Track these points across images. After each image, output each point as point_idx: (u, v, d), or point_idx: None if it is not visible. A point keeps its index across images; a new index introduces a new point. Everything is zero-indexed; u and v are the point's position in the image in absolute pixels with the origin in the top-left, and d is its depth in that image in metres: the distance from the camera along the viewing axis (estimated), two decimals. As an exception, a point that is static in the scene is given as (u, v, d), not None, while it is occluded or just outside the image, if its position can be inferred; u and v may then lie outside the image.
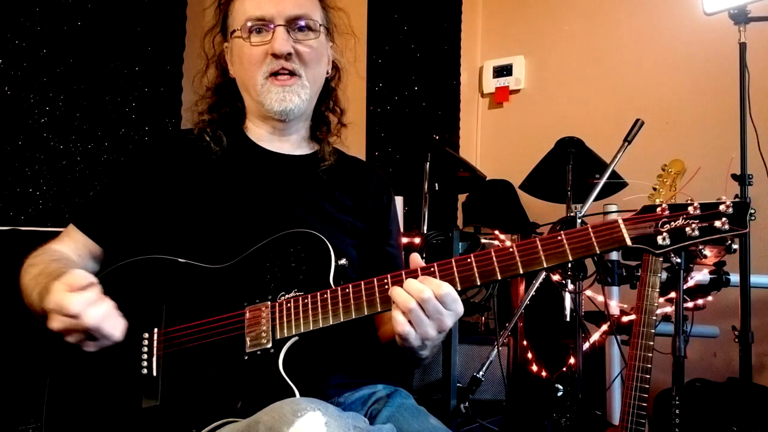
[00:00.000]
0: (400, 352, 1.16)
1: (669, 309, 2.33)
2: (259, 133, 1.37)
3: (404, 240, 2.44)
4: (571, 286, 2.29)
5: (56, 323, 1.03)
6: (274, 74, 1.28)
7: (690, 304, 2.32)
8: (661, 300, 2.06)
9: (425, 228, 2.76)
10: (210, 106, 1.38)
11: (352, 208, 1.36)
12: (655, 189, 1.73)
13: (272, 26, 1.26)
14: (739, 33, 2.19)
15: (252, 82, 1.29)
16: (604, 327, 2.49)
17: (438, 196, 2.99)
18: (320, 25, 1.32)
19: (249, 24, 1.27)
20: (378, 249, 1.38)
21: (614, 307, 2.45)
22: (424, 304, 0.99)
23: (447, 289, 1.00)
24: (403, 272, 1.06)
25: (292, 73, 1.28)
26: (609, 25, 3.43)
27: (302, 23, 1.29)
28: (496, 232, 2.76)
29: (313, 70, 1.32)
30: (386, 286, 1.06)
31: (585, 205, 2.24)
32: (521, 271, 1.02)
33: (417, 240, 2.48)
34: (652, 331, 1.76)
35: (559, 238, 1.01)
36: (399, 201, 2.97)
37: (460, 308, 1.03)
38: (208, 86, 1.39)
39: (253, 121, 1.38)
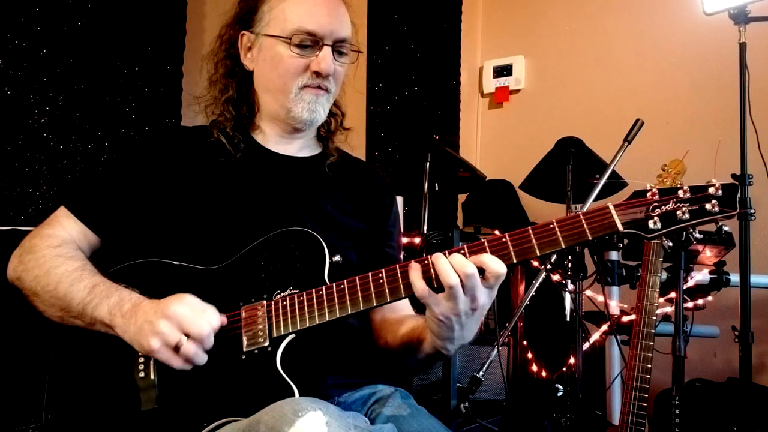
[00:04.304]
0: (415, 350, 1.16)
1: (669, 309, 2.33)
2: (267, 134, 1.37)
3: (404, 240, 2.44)
4: (571, 286, 2.29)
5: (163, 336, 1.04)
6: (309, 86, 1.29)
7: (690, 304, 2.32)
8: (661, 300, 2.06)
9: (425, 228, 2.76)
10: (227, 99, 1.36)
11: (353, 210, 1.37)
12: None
13: (320, 44, 1.27)
14: (739, 33, 2.18)
15: (285, 88, 1.29)
16: (604, 327, 2.49)
17: (438, 196, 2.99)
18: (354, 47, 1.34)
19: (299, 36, 1.26)
20: (377, 249, 1.38)
21: (614, 307, 2.45)
22: (466, 279, 0.99)
23: (503, 270, 1.00)
24: (398, 266, 1.06)
25: (324, 88, 1.31)
26: (609, 25, 3.43)
27: (345, 48, 1.31)
28: (496, 232, 2.75)
29: (338, 86, 1.36)
30: (381, 281, 1.06)
31: (585, 205, 2.24)
32: (515, 260, 1.02)
33: (417, 240, 2.48)
34: (652, 331, 1.77)
35: (551, 225, 1.02)
36: (399, 201, 2.96)
37: (495, 290, 1.04)
38: (222, 73, 1.37)
39: (263, 120, 1.37)
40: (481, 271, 1.00)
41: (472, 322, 1.05)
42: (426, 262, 1.04)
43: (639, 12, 3.33)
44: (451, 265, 1.00)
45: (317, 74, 1.28)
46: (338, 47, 1.30)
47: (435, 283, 1.02)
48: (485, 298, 1.02)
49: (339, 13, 1.30)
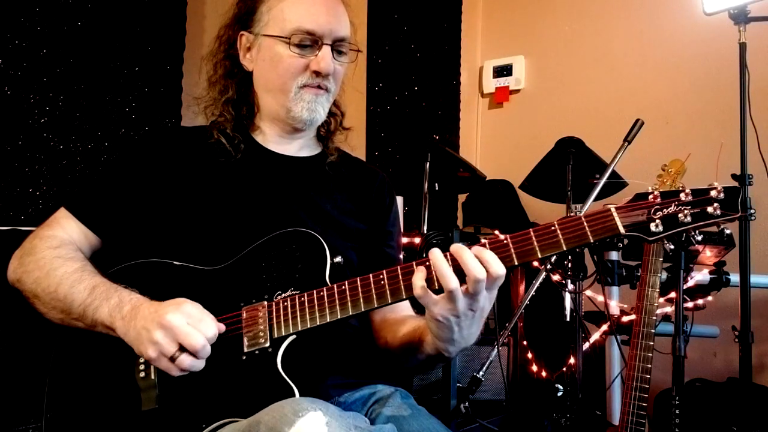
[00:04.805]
0: (415, 350, 1.16)
1: (669, 309, 2.33)
2: (266, 134, 1.37)
3: (404, 240, 2.44)
4: (571, 286, 2.29)
5: (159, 347, 1.04)
6: (309, 86, 1.29)
7: (690, 304, 2.32)
8: (661, 300, 2.06)
9: (425, 228, 2.76)
10: (226, 100, 1.35)
11: (353, 210, 1.37)
12: (654, 189, 1.73)
13: (320, 43, 1.27)
14: (739, 33, 2.19)
15: (285, 88, 1.29)
16: (604, 327, 2.49)
17: (438, 196, 2.99)
18: (354, 46, 1.34)
19: (298, 35, 1.26)
20: (377, 249, 1.38)
21: (614, 307, 2.45)
22: (473, 285, 0.98)
23: (503, 271, 1.00)
24: (399, 267, 1.05)
25: (324, 87, 1.31)
26: (609, 25, 3.43)
27: (344, 47, 1.31)
28: (496, 232, 2.75)
29: (338, 86, 1.35)
30: (382, 282, 1.06)
31: (585, 205, 2.24)
32: (516, 263, 1.01)
33: (417, 240, 2.49)
34: (652, 331, 1.76)
35: (553, 228, 1.01)
36: (399, 201, 2.96)
37: (495, 293, 1.03)
38: (221, 74, 1.37)
39: (263, 120, 1.37)
40: None
41: (472, 323, 1.05)
42: (428, 263, 1.04)
43: (639, 12, 3.33)
44: (451, 268, 0.99)
45: (317, 74, 1.28)
46: (337, 46, 1.30)
47: (436, 285, 1.02)
48: (485, 300, 1.02)
49: (338, 12, 1.30)
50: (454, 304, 1.00)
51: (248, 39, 1.33)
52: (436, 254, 1.00)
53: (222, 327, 1.09)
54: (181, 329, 1.03)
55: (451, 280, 0.98)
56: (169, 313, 1.05)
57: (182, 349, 1.04)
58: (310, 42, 1.27)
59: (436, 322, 1.04)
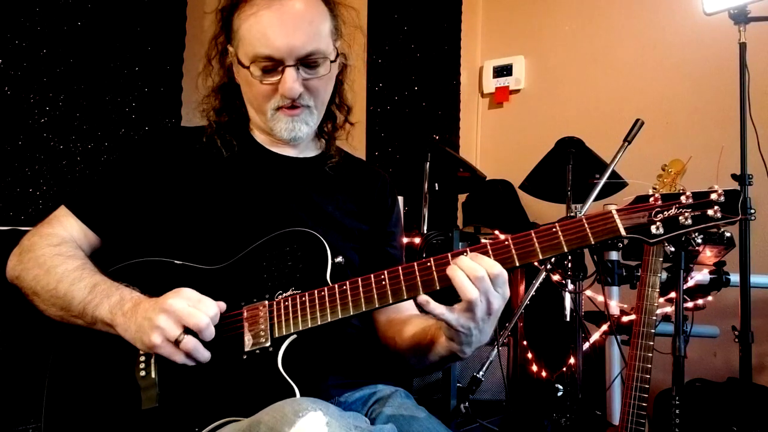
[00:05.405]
0: (426, 351, 1.16)
1: (669, 309, 2.33)
2: (264, 137, 1.37)
3: (404, 240, 2.44)
4: (571, 286, 2.29)
5: (163, 331, 1.04)
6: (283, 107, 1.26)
7: (690, 304, 2.32)
8: (661, 300, 2.06)
9: (425, 228, 2.76)
10: (216, 110, 1.35)
11: (355, 211, 1.36)
12: (654, 189, 1.73)
13: (281, 66, 1.21)
14: (739, 33, 2.19)
15: (261, 109, 1.28)
16: (604, 327, 2.49)
17: (438, 196, 2.99)
18: (330, 55, 1.25)
19: (258, 63, 1.21)
20: (379, 250, 1.38)
21: (614, 307, 2.45)
22: (477, 282, 0.99)
23: (498, 270, 1.01)
24: (400, 268, 1.06)
25: (299, 106, 1.26)
26: (609, 25, 3.43)
27: (315, 60, 1.23)
28: (496, 232, 2.76)
29: (323, 95, 1.30)
30: (383, 282, 1.06)
31: (585, 205, 2.24)
32: (517, 264, 1.02)
33: (417, 240, 2.49)
34: (652, 331, 1.77)
35: (554, 229, 1.02)
36: (399, 201, 2.96)
37: (507, 291, 1.03)
38: (213, 87, 1.36)
39: (256, 128, 1.37)
40: None
41: (487, 326, 1.06)
42: (428, 264, 1.04)
43: (639, 12, 3.33)
44: (467, 277, 0.99)
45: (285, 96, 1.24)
46: (306, 62, 1.22)
47: (438, 285, 1.02)
48: (499, 301, 1.02)
49: (299, 26, 1.20)
50: (473, 313, 1.01)
51: (231, 53, 1.30)
52: (454, 270, 1.01)
53: (222, 306, 1.10)
54: (183, 311, 1.04)
55: (472, 291, 0.99)
56: (170, 298, 1.06)
57: (186, 332, 1.04)
58: (271, 66, 1.21)
59: (456, 331, 1.04)
